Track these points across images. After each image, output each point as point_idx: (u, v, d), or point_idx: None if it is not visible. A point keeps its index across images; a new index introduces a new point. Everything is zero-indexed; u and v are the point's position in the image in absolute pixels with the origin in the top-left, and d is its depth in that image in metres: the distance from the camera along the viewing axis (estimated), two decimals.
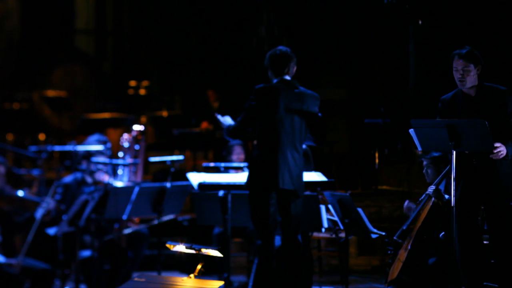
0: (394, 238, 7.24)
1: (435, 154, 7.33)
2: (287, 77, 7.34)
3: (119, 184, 8.77)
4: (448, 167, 6.99)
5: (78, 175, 8.87)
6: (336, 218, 7.70)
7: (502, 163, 6.55)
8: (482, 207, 6.77)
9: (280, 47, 7.41)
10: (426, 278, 7.11)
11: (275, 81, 7.34)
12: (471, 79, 6.60)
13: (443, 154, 7.21)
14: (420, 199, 7.27)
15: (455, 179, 6.56)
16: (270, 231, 7.23)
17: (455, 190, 6.58)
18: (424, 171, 7.44)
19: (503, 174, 6.57)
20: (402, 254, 7.13)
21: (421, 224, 7.10)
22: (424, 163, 7.43)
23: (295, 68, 7.40)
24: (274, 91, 7.29)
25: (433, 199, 7.10)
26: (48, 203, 8.60)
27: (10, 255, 8.32)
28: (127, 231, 8.83)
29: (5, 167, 8.58)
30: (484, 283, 6.76)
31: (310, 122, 7.31)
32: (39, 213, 8.53)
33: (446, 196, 7.05)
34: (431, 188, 7.14)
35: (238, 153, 9.49)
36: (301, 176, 7.26)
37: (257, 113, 7.31)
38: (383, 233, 7.53)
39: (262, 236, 7.22)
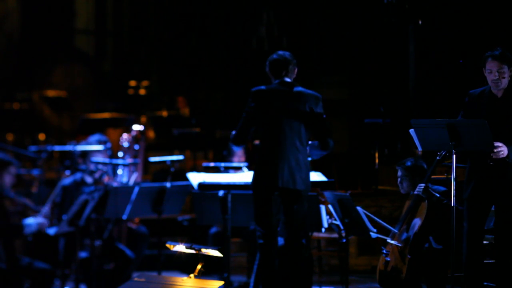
0: (388, 240, 7.24)
1: (409, 164, 7.30)
2: (287, 79, 7.33)
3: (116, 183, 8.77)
4: (432, 166, 7.02)
5: (77, 176, 8.86)
6: (338, 222, 7.69)
7: None
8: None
9: (280, 52, 7.41)
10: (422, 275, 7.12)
11: (274, 82, 7.35)
12: (505, 81, 6.58)
13: (418, 164, 7.22)
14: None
15: (468, 177, 6.63)
16: (272, 231, 7.23)
17: (466, 188, 6.62)
18: (398, 182, 7.42)
19: None
20: (398, 260, 7.10)
21: (419, 229, 7.06)
22: (399, 173, 7.40)
23: (296, 70, 7.39)
24: (270, 92, 7.30)
25: (426, 200, 7.08)
26: (42, 214, 8.53)
27: (9, 256, 8.29)
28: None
29: (16, 168, 8.54)
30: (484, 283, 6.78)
31: (311, 123, 7.28)
32: (31, 229, 8.45)
33: (437, 195, 7.04)
34: (420, 187, 7.10)
35: (239, 156, 9.51)
36: (304, 176, 7.22)
37: (256, 115, 7.31)
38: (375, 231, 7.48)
39: (264, 236, 7.23)
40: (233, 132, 7.42)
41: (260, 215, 7.25)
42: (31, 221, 8.25)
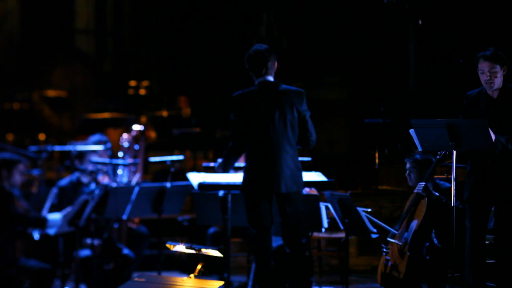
0: (387, 239, 7.24)
1: (418, 157, 7.31)
2: (269, 77, 7.18)
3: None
4: (432, 165, 7.03)
5: (74, 177, 8.85)
6: (334, 214, 7.69)
7: None
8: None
9: (256, 46, 7.25)
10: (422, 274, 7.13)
11: (255, 83, 7.24)
12: (498, 81, 6.56)
13: (427, 159, 7.22)
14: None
15: (469, 176, 6.63)
16: (265, 232, 7.21)
17: (466, 189, 6.62)
18: (406, 174, 7.42)
19: None
20: (397, 258, 7.11)
21: (418, 227, 7.06)
22: (407, 165, 7.40)
23: (276, 64, 7.20)
24: (252, 95, 7.16)
25: (426, 198, 7.09)
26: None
27: (9, 259, 8.28)
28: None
29: (25, 166, 8.53)
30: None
31: (297, 122, 7.17)
32: (56, 224, 8.44)
33: (436, 193, 7.06)
34: (420, 186, 7.11)
35: None
36: (295, 178, 7.15)
37: (241, 120, 7.18)
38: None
39: (257, 238, 7.21)
40: (230, 144, 7.33)
41: (252, 217, 7.22)
42: (56, 217, 8.24)
